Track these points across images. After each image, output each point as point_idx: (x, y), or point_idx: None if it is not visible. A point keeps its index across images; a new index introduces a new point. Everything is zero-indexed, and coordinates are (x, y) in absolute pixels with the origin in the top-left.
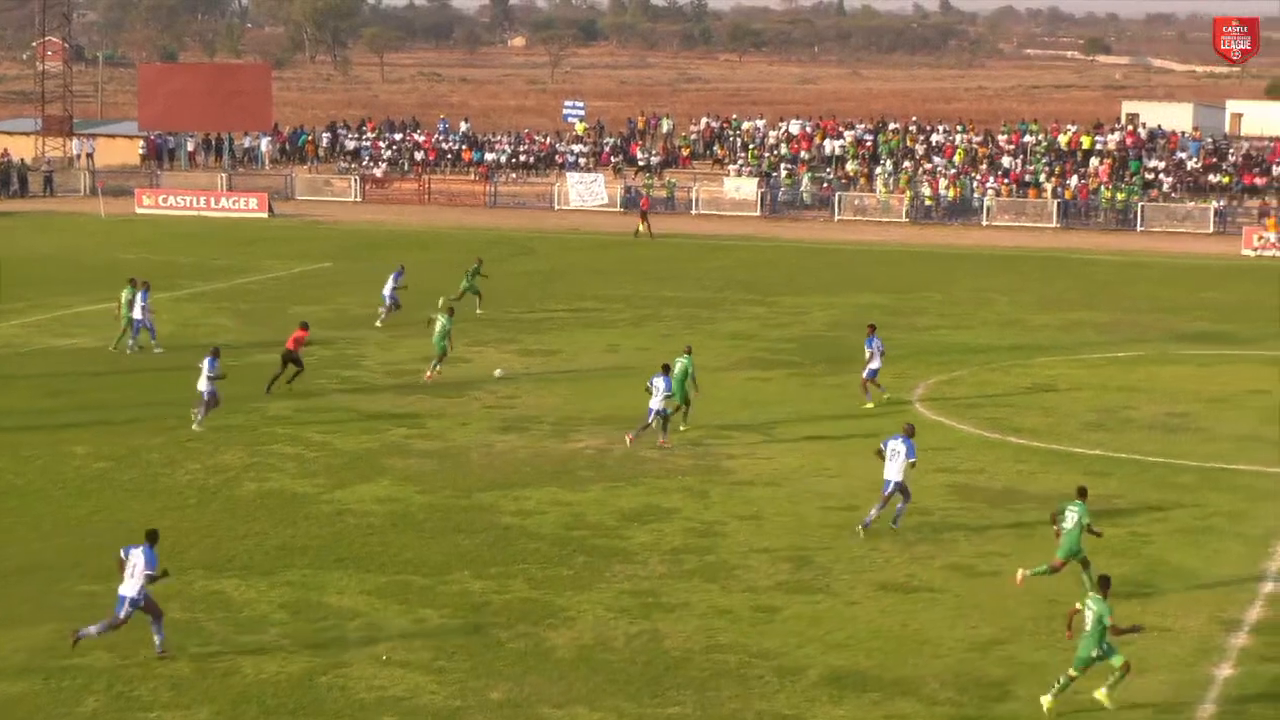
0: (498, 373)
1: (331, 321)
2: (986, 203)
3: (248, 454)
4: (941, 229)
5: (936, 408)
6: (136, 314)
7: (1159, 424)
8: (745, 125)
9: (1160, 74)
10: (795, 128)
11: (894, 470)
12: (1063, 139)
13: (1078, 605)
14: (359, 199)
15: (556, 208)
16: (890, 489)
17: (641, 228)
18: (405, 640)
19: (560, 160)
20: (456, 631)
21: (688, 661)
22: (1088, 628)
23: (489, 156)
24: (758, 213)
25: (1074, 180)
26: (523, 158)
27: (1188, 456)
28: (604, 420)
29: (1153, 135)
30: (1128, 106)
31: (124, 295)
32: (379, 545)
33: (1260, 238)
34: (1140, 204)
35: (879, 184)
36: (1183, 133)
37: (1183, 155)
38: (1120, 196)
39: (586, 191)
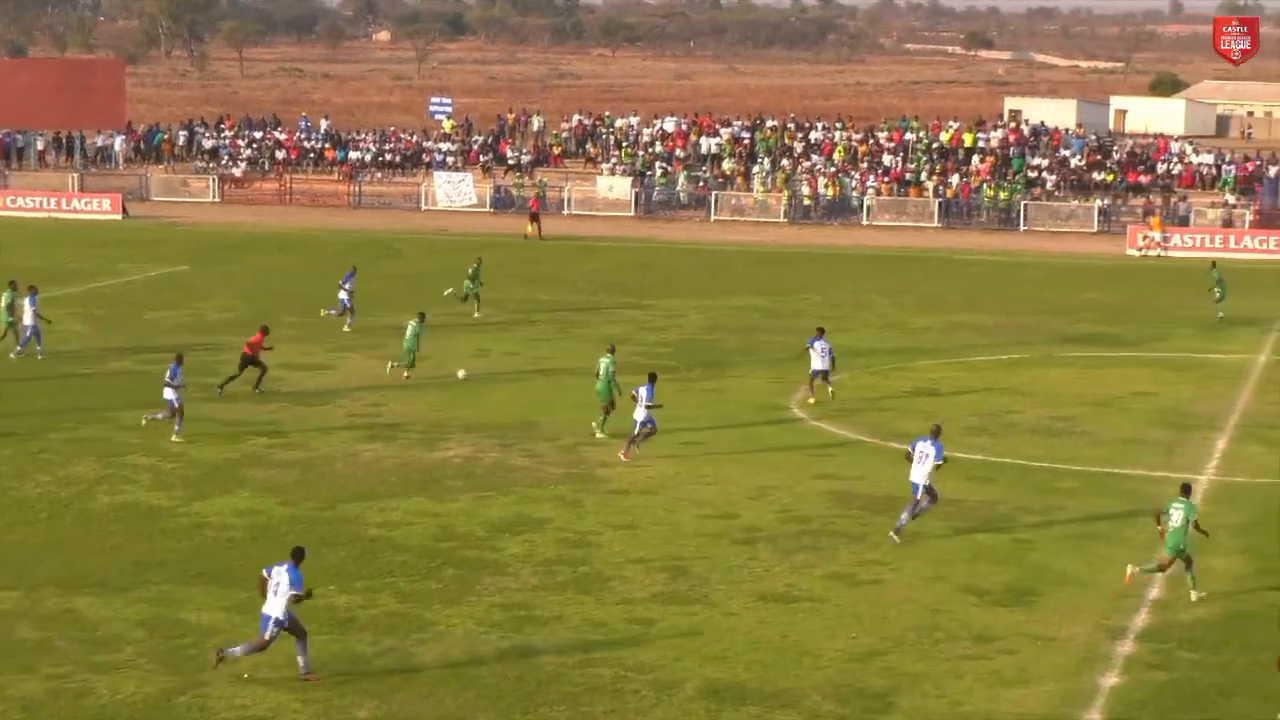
0: (461, 374)
1: (189, 327)
2: (866, 202)
3: (101, 465)
4: (820, 229)
5: (816, 412)
6: (27, 319)
7: (1042, 428)
8: (619, 123)
9: (1043, 69)
10: (670, 125)
11: (920, 473)
12: (944, 136)
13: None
14: (217, 200)
15: (424, 208)
16: (919, 492)
17: (530, 229)
18: (267, 658)
19: (427, 159)
20: (321, 648)
21: (561, 676)
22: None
23: (353, 155)
24: (632, 213)
25: (955, 179)
26: (388, 157)
27: (1072, 461)
28: (473, 428)
29: (1036, 132)
30: (1010, 103)
31: (2, 299)
32: (239, 559)
33: (1145, 237)
34: (1023, 203)
35: (756, 183)
36: (1066, 130)
37: (1066, 153)
38: (1003, 195)
39: (455, 191)
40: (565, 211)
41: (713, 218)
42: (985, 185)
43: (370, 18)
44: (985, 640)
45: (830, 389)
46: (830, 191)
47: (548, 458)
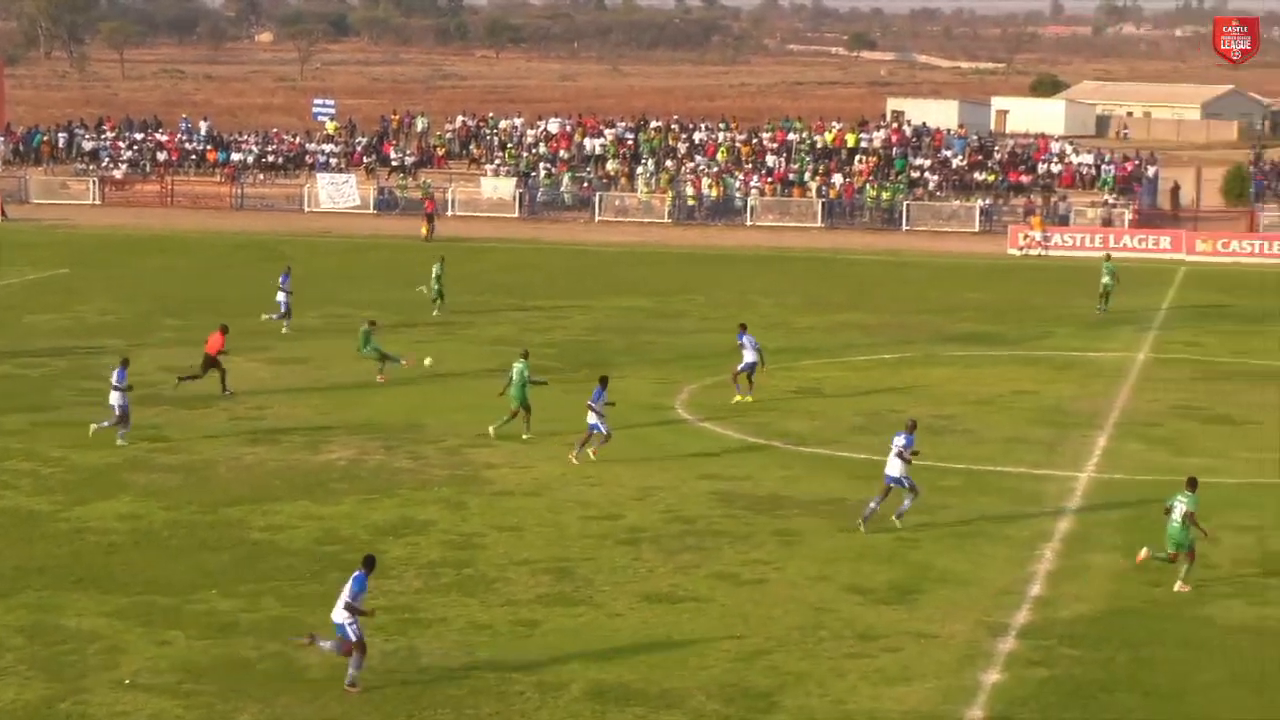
0: (427, 361)
1: (69, 330)
2: (750, 202)
3: None
4: (704, 229)
5: (701, 412)
6: None
7: (925, 426)
8: (503, 124)
9: (926, 70)
10: (554, 126)
11: (895, 466)
12: (827, 137)
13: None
14: (98, 202)
15: (307, 210)
16: (890, 484)
17: (424, 230)
18: (150, 663)
19: (310, 161)
20: (204, 653)
21: (445, 679)
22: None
23: (235, 157)
24: (516, 214)
25: (838, 179)
26: (271, 158)
27: (954, 459)
28: (357, 430)
29: (918, 133)
30: (893, 103)
31: None
32: (120, 564)
33: (1026, 236)
34: (905, 203)
35: (640, 184)
36: (948, 130)
37: (948, 153)
38: (885, 195)
39: (338, 193)
40: (450, 213)
41: (597, 218)
42: (868, 185)
43: (253, 19)
44: (869, 638)
45: (748, 395)
46: (714, 192)
47: (433, 460)
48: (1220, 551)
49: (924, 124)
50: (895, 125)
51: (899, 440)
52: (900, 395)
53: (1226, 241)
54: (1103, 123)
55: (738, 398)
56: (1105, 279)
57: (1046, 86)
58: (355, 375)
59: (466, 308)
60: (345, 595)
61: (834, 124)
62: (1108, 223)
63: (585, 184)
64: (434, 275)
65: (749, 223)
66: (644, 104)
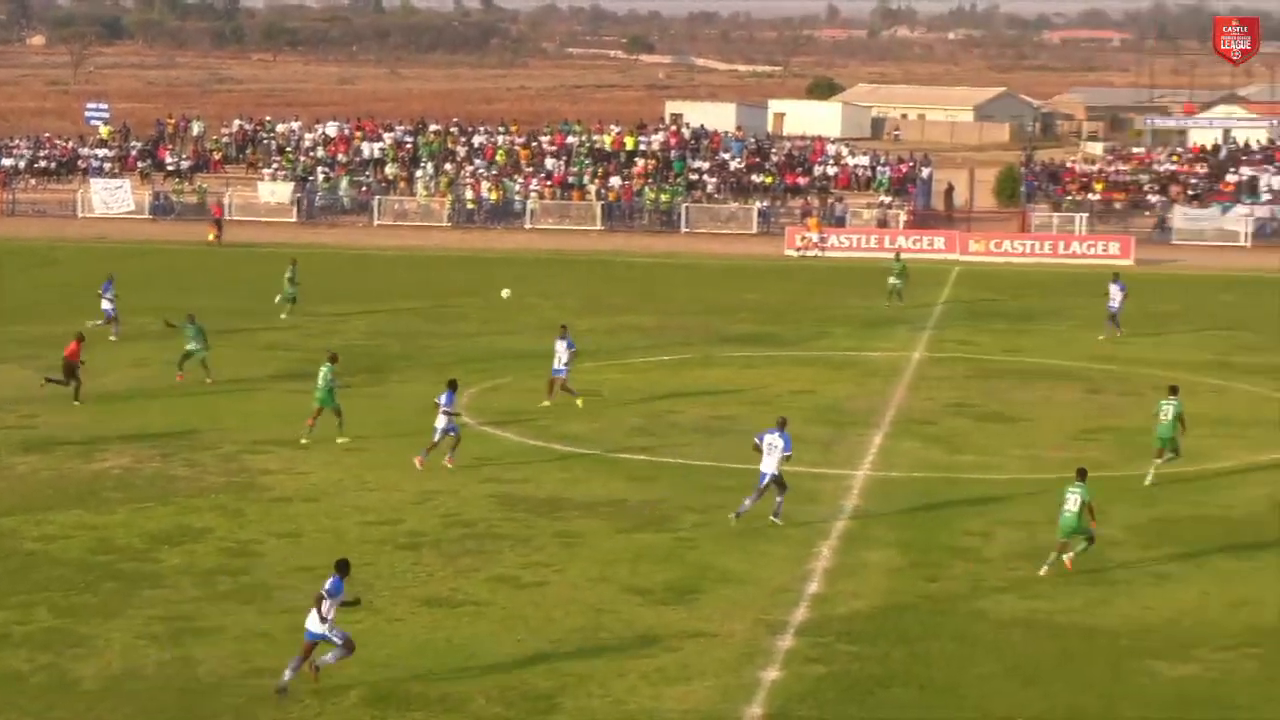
0: (505, 293)
1: None
2: (529, 205)
3: None
4: (484, 233)
5: (481, 416)
6: None
7: (704, 427)
8: (280, 128)
9: (704, 73)
10: (332, 129)
11: (770, 464)
12: (606, 140)
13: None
14: None
15: (80, 215)
16: (766, 481)
17: (212, 235)
18: None
19: (83, 165)
20: None
21: (223, 687)
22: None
23: (6, 162)
24: (294, 218)
25: (617, 181)
26: (43, 163)
27: (732, 459)
28: (132, 438)
29: (696, 135)
30: (671, 106)
31: None
32: None
33: (803, 238)
34: (684, 205)
35: (419, 187)
36: (726, 132)
37: (726, 155)
38: (664, 197)
39: (111, 198)
40: (226, 217)
41: (375, 223)
42: (646, 188)
43: (24, 21)
44: (649, 639)
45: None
46: (493, 195)
47: (209, 467)
48: (993, 546)
49: (702, 127)
50: (674, 128)
51: (768, 437)
52: (679, 396)
53: (999, 241)
54: (878, 125)
55: (547, 401)
56: (891, 278)
57: (823, 89)
58: (129, 383)
59: (241, 313)
60: (324, 605)
61: (613, 127)
62: (883, 224)
63: (364, 188)
64: (286, 279)
65: (528, 225)
66: (423, 107)
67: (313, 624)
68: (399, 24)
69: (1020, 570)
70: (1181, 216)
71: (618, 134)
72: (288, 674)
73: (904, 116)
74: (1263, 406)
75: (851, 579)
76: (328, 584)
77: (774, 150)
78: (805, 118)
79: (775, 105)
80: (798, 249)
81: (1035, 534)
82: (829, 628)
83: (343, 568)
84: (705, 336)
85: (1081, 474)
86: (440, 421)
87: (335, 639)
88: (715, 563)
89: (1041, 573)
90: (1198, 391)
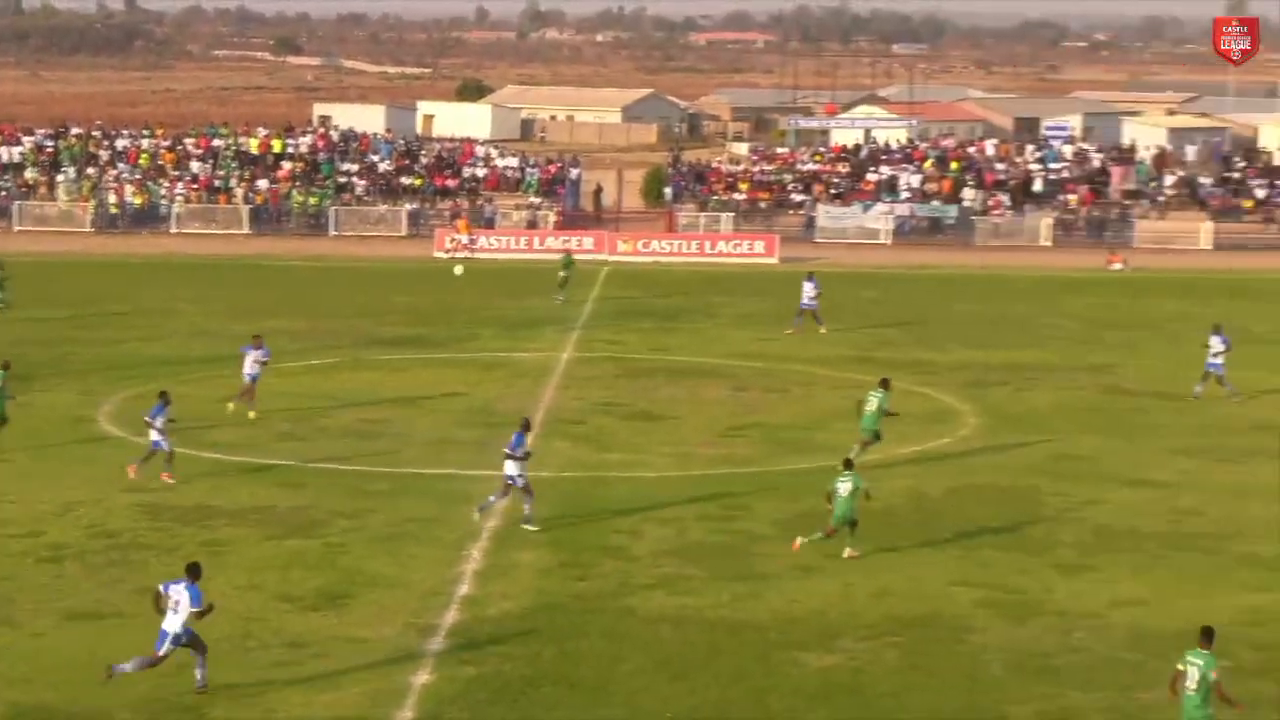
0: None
1: None
2: (175, 209)
3: None
4: (128, 238)
5: (125, 424)
6: None
7: (353, 430)
8: None
9: (353, 75)
10: None
11: (510, 466)
12: (253, 143)
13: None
14: None
15: None
16: (512, 481)
17: None
18: None
19: None
20: None
21: None
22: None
23: None
24: None
25: (264, 184)
26: None
27: (383, 463)
28: None
29: (345, 137)
30: (320, 109)
31: None
32: None
33: (453, 239)
34: (333, 208)
35: (61, 192)
36: (375, 134)
37: (375, 158)
38: (313, 200)
39: None
40: None
41: (15, 228)
42: (294, 191)
43: None
44: (298, 646)
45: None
46: (138, 200)
47: None
48: (641, 544)
49: (351, 129)
50: (322, 130)
51: (514, 441)
52: (328, 400)
53: (646, 241)
54: (528, 126)
55: (232, 406)
56: (562, 272)
57: (472, 91)
58: None
59: None
60: (187, 606)
61: (260, 130)
62: (533, 225)
63: (3, 193)
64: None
65: (174, 230)
66: (64, 111)
67: None
68: (40, 25)
69: (667, 567)
70: (824, 215)
71: (265, 136)
72: (129, 665)
73: (553, 118)
74: (903, 400)
75: (502, 580)
76: (185, 592)
77: (423, 152)
78: (455, 119)
79: (425, 107)
80: (447, 251)
81: (683, 530)
82: (480, 629)
83: (194, 572)
84: (355, 340)
85: (848, 464)
86: (153, 434)
87: (185, 640)
88: (365, 567)
89: (846, 555)
90: (842, 387)
